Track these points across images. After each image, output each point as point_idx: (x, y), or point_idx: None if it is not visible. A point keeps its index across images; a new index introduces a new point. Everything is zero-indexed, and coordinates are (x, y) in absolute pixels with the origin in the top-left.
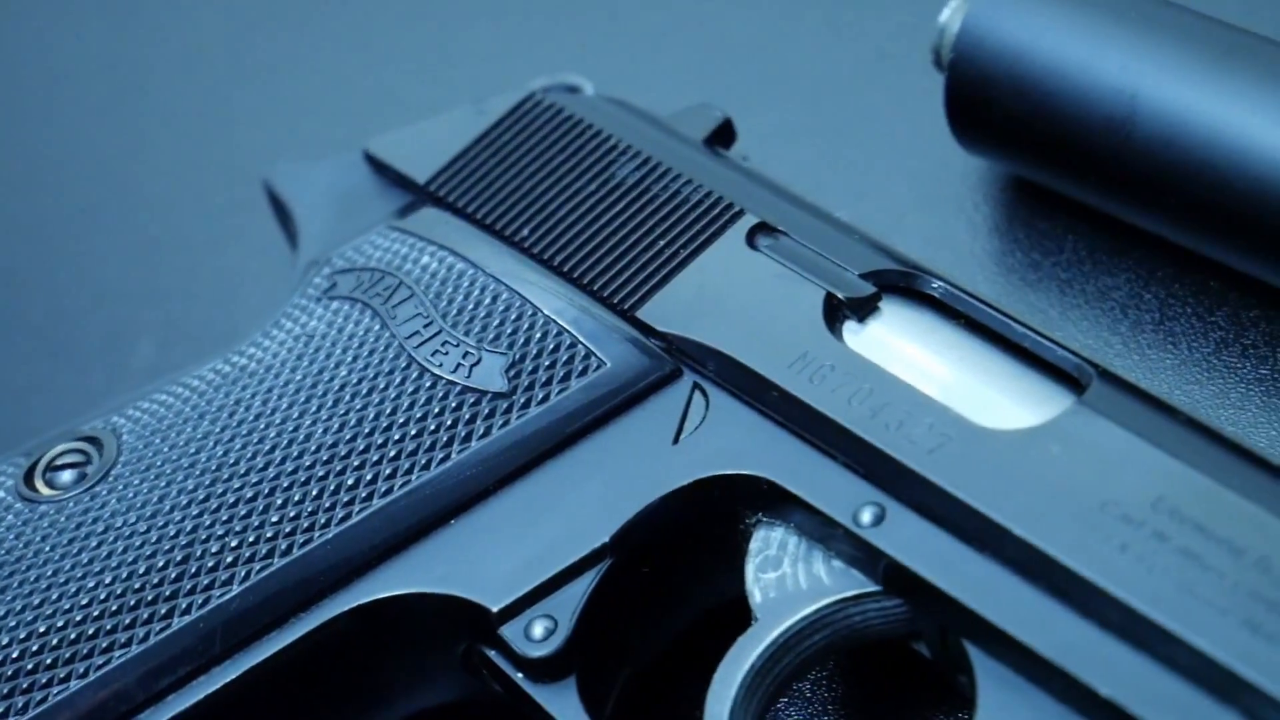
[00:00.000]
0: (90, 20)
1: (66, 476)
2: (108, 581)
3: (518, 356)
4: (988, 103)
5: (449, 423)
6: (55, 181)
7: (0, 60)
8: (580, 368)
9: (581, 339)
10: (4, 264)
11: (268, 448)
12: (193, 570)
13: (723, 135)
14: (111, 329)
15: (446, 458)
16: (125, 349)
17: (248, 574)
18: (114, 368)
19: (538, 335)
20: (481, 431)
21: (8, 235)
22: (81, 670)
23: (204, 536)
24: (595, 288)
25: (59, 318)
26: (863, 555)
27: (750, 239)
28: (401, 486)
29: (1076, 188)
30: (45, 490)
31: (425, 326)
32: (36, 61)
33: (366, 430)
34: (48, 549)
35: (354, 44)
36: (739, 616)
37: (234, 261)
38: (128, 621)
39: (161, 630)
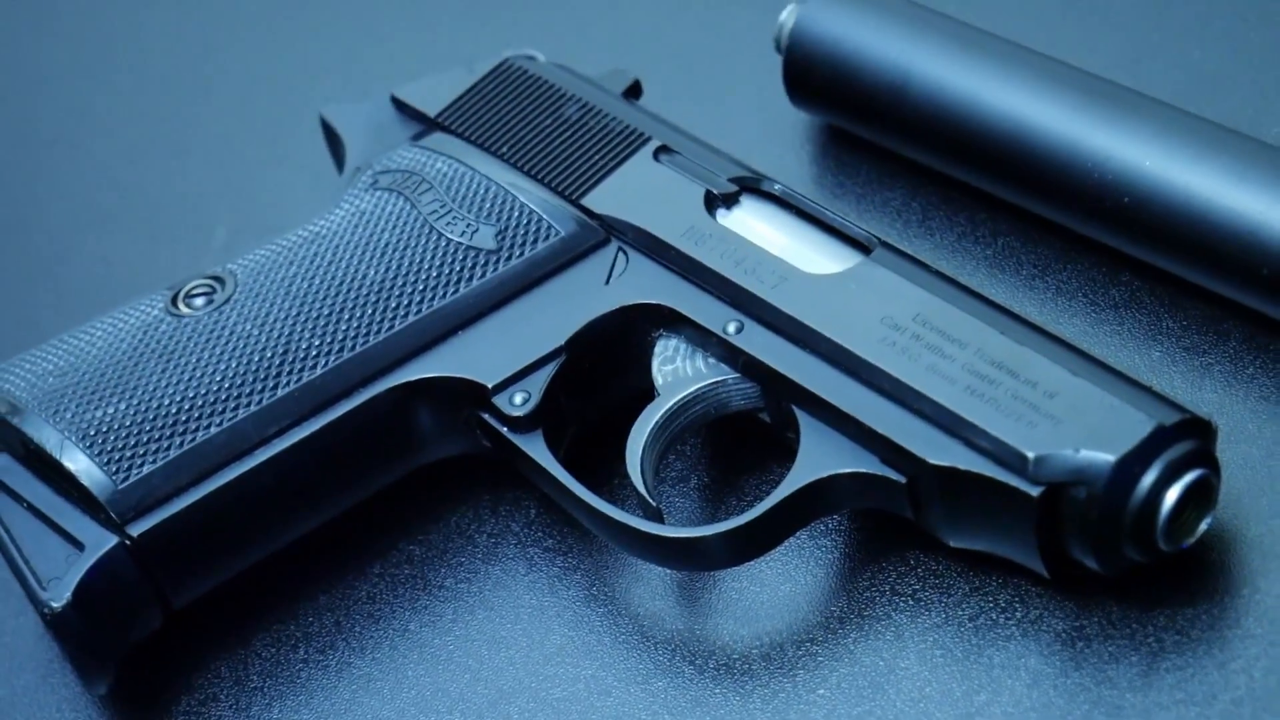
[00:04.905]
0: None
1: (199, 302)
2: (234, 365)
3: (503, 227)
4: (811, 75)
5: (458, 269)
6: (153, 110)
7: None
8: (545, 235)
9: (545, 216)
10: (110, 171)
11: (338, 282)
12: (290, 358)
13: (633, 91)
14: (194, 220)
15: (457, 290)
16: (204, 234)
17: (327, 362)
18: (196, 249)
19: (516, 213)
20: (480, 275)
21: (121, 151)
22: (218, 421)
23: (297, 337)
24: (553, 184)
25: (155, 209)
26: (728, 354)
27: (655, 155)
28: (427, 308)
29: (870, 132)
30: (186, 310)
31: (441, 207)
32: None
33: (404, 272)
34: (192, 346)
35: (372, 21)
36: (647, 396)
37: (284, 174)
38: (247, 390)
39: (270, 397)
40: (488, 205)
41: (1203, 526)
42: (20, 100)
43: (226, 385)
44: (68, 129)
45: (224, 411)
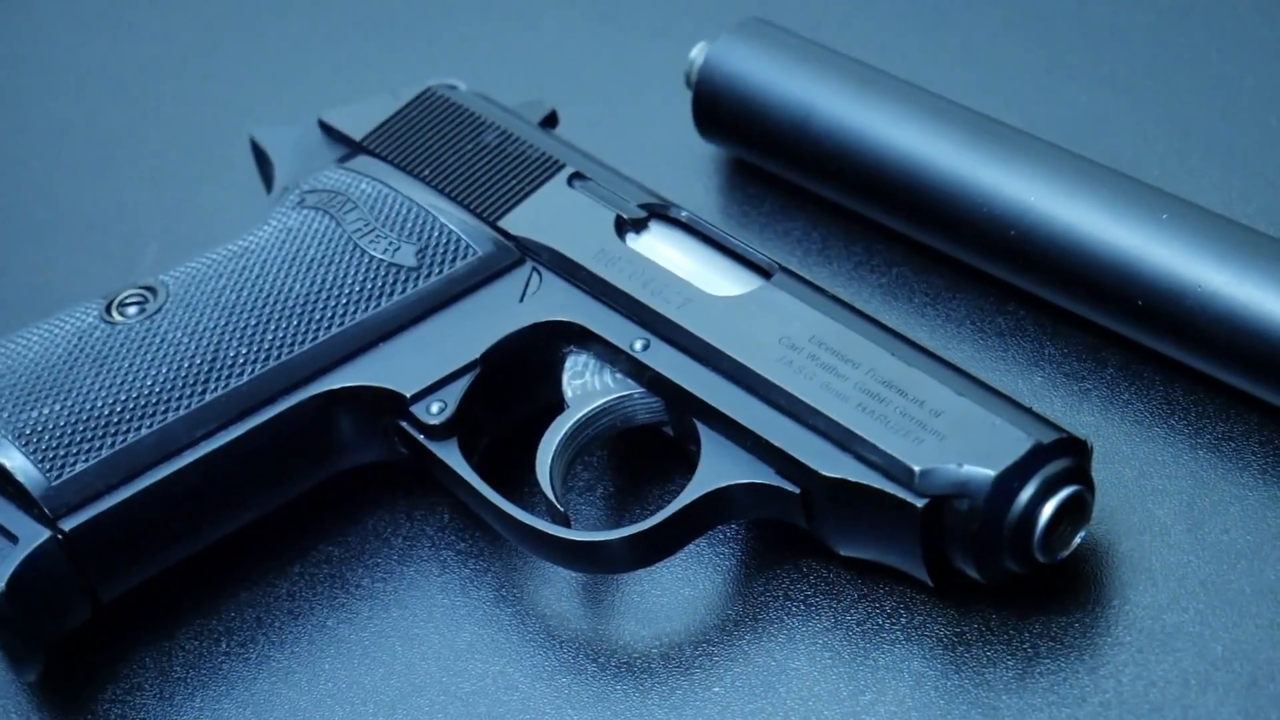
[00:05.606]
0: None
1: (132, 310)
2: (164, 371)
3: (423, 246)
4: (718, 110)
5: (380, 284)
6: (89, 129)
7: (38, 34)
8: (463, 254)
9: (464, 236)
10: (45, 187)
11: (264, 294)
12: (218, 365)
13: (550, 120)
14: (127, 236)
15: (379, 304)
16: (137, 251)
17: (253, 369)
18: (129, 264)
19: (436, 233)
20: (401, 290)
21: (58, 169)
22: (149, 423)
23: (225, 345)
24: (472, 207)
25: (89, 228)
26: (635, 370)
27: (569, 181)
28: (350, 320)
29: (774, 165)
30: (119, 318)
31: (364, 226)
32: (70, 50)
33: (329, 286)
34: (124, 352)
35: (301, 48)
36: (557, 408)
37: (214, 194)
38: (177, 395)
39: (198, 401)
40: (409, 225)
41: (1077, 540)
42: None
43: (157, 390)
44: (4, 147)
45: (154, 414)
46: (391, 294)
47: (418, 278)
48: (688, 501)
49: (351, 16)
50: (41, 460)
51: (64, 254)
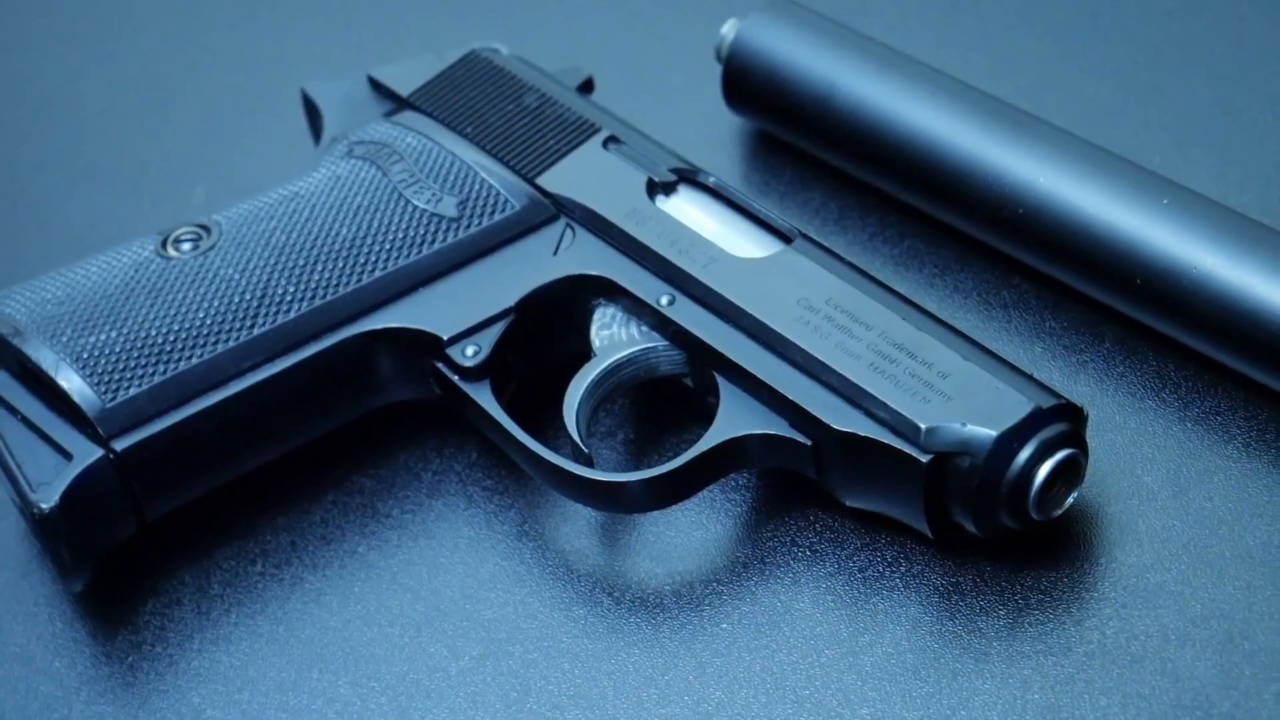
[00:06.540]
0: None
1: (186, 246)
2: (215, 304)
3: (464, 198)
4: (746, 84)
5: (422, 232)
6: (143, 78)
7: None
8: (501, 207)
9: (503, 191)
10: (101, 129)
11: (313, 237)
12: (266, 302)
13: (586, 86)
14: (176, 178)
15: (420, 251)
16: (185, 192)
17: (300, 306)
18: (177, 205)
19: (477, 187)
20: (442, 239)
21: (112, 113)
22: (199, 353)
23: (274, 283)
24: (512, 164)
25: (140, 167)
26: (660, 324)
27: (604, 144)
28: (392, 265)
29: (796, 138)
30: (174, 253)
31: (409, 177)
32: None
33: (374, 232)
34: (178, 285)
35: (350, 8)
36: (584, 357)
37: (261, 142)
38: (226, 328)
39: (246, 335)
40: (452, 178)
41: (1070, 500)
42: (18, 65)
43: (208, 322)
44: (62, 91)
45: (205, 345)
46: (433, 242)
47: (458, 228)
48: (705, 448)
49: None
50: (97, 383)
51: (115, 195)
